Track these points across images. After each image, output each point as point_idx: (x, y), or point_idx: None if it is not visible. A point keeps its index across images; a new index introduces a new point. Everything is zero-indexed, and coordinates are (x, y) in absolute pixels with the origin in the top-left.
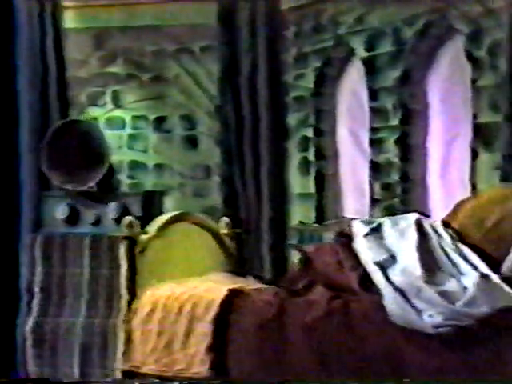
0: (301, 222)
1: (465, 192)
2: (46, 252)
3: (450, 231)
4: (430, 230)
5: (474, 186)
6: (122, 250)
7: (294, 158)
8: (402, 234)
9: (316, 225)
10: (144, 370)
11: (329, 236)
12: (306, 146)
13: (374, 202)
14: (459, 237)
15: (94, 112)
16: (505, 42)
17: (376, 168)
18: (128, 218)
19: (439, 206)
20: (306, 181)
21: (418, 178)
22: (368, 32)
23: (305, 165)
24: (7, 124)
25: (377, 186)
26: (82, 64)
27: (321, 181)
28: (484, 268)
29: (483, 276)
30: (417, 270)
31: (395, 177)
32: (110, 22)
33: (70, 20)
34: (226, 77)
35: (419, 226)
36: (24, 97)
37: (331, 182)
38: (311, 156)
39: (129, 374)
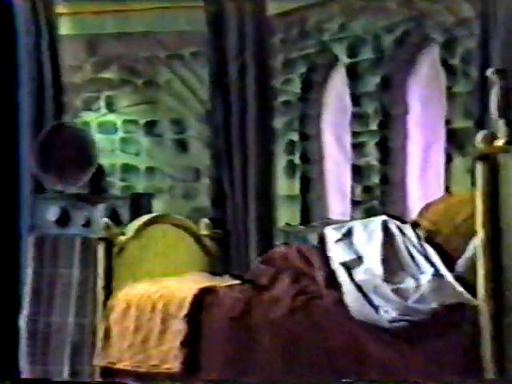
0: (287, 224)
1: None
2: (37, 253)
3: (419, 231)
4: (395, 231)
5: (447, 189)
6: (100, 251)
7: (281, 161)
8: (370, 236)
9: (301, 226)
10: (119, 365)
11: (313, 237)
12: (292, 150)
13: (355, 204)
14: (430, 233)
15: (87, 116)
16: (476, 51)
17: (357, 171)
18: (105, 220)
19: (418, 207)
20: (292, 183)
21: (397, 180)
22: (350, 39)
23: (291, 168)
24: (6, 129)
25: (358, 189)
26: (76, 70)
27: (306, 183)
28: (441, 266)
29: (436, 275)
30: (378, 269)
31: (375, 179)
32: (103, 28)
33: (64, 27)
34: (215, 82)
35: (385, 228)
36: (22, 101)
37: (316, 185)
38: (297, 159)
39: (106, 370)
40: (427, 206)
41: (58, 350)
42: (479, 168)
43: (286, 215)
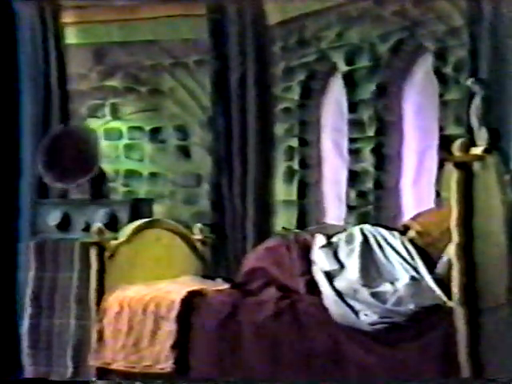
0: (284, 228)
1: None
2: (38, 257)
3: (404, 237)
4: (373, 240)
5: (438, 194)
6: (92, 255)
7: (280, 167)
8: (351, 245)
9: (298, 231)
10: (114, 366)
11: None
12: (291, 156)
13: (350, 208)
14: (420, 235)
15: (92, 123)
16: (467, 60)
17: (353, 176)
18: (97, 225)
19: (411, 212)
20: (290, 188)
21: (391, 185)
22: (347, 47)
23: (289, 173)
24: (10, 135)
25: (352, 194)
26: (82, 78)
27: (304, 188)
28: (422, 269)
29: (414, 278)
30: (356, 276)
31: (370, 185)
32: (109, 37)
33: (71, 36)
34: (217, 89)
35: (365, 238)
36: (27, 109)
37: (314, 190)
38: (296, 165)
39: (100, 370)
40: (420, 213)
41: (61, 351)
42: (455, 175)
43: (284, 219)
